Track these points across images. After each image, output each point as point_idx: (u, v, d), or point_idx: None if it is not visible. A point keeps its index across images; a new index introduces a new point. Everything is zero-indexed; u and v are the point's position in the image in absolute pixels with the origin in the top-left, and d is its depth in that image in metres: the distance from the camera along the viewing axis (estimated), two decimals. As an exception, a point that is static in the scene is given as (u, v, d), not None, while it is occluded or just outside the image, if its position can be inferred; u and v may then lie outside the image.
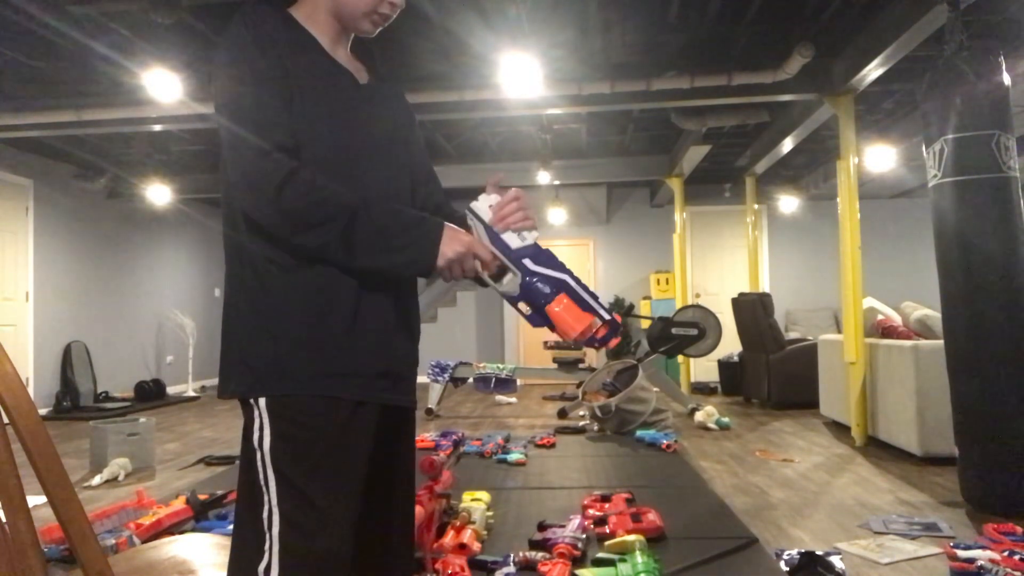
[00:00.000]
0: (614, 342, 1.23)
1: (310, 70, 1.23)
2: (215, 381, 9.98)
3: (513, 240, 1.23)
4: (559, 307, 1.20)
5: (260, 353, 1.19)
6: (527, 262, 1.22)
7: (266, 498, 1.16)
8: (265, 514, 1.16)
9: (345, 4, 1.27)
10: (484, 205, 1.25)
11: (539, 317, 1.22)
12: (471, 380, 6.48)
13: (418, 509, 2.30)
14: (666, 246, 9.56)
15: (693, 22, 4.69)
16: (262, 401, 1.18)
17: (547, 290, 1.20)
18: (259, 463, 1.17)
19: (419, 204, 1.38)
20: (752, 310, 6.89)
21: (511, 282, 1.23)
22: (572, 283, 1.21)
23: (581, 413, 6.19)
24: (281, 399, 1.18)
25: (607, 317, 1.21)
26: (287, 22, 1.25)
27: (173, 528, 3.03)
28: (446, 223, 1.21)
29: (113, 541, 2.69)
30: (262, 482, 1.17)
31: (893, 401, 4.50)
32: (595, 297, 1.22)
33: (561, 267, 1.22)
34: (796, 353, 6.63)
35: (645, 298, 9.71)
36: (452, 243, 1.19)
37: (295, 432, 1.17)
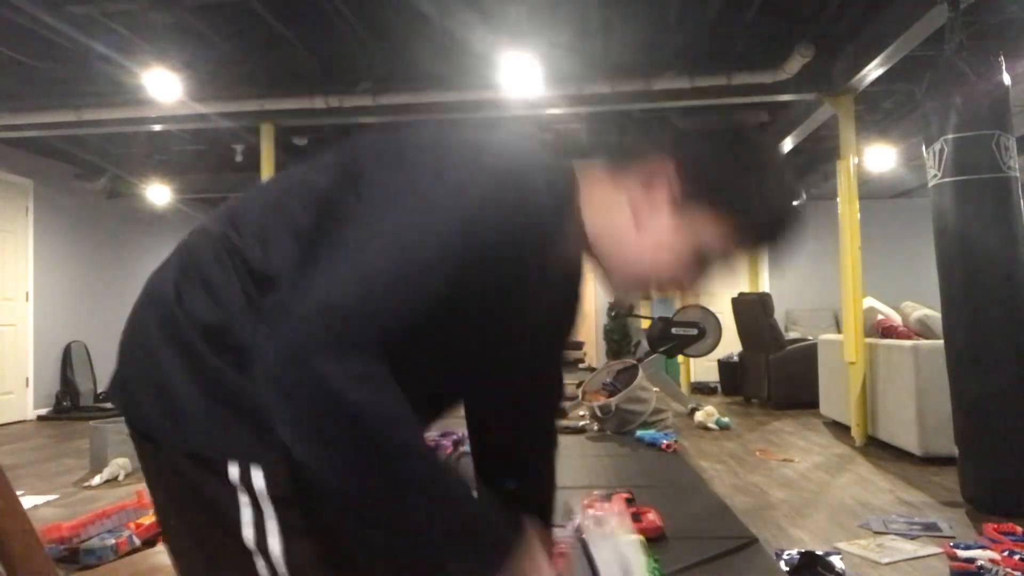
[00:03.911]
0: None
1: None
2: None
3: None
4: None
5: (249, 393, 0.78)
6: None
7: None
8: None
9: (632, 264, 0.92)
10: (600, 539, 0.96)
11: None
12: (471, 380, 6.46)
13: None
14: (666, 246, 9.54)
15: (693, 22, 4.69)
16: (256, 472, 0.78)
17: None
18: (264, 573, 0.80)
19: None
20: (752, 310, 6.89)
21: None
22: None
23: (581, 413, 6.19)
24: (287, 468, 0.78)
25: None
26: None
27: (173, 528, 3.02)
28: (529, 539, 0.86)
29: (113, 541, 2.69)
30: None
31: (893, 401, 4.49)
32: None
33: None
34: (796, 353, 6.62)
35: (645, 298, 9.70)
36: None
37: (315, 523, 0.81)
